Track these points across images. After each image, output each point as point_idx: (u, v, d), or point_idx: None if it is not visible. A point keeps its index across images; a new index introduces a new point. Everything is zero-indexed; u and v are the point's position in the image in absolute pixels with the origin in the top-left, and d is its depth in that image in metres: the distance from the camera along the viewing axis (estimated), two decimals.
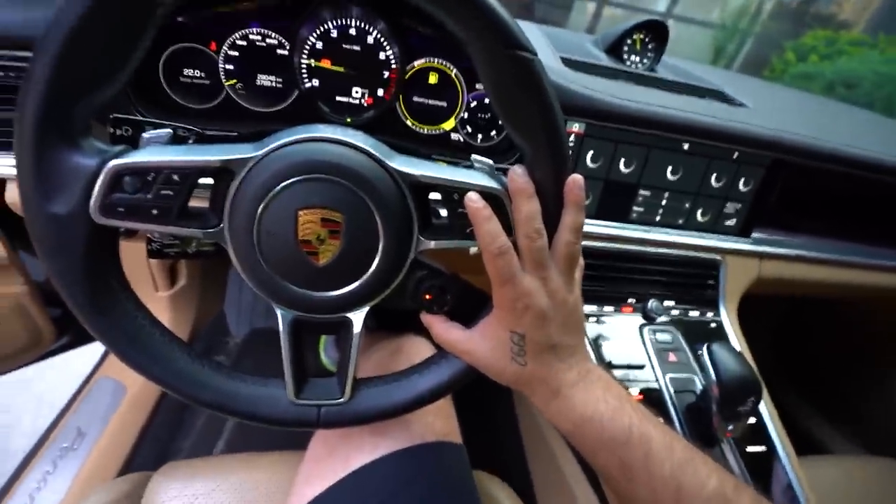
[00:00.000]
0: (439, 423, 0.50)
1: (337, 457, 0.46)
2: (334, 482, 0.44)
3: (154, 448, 0.86)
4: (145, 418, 0.86)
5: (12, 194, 0.47)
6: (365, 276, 0.36)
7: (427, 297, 0.40)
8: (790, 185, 0.67)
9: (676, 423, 0.56)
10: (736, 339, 0.67)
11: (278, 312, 0.37)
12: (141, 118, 0.45)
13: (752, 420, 0.59)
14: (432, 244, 0.37)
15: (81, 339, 0.93)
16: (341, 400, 0.39)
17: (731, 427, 0.52)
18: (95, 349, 0.98)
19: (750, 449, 0.57)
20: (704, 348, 0.54)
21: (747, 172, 0.64)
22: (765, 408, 0.60)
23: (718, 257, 0.69)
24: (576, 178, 0.35)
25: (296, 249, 0.34)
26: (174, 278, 0.90)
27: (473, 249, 0.37)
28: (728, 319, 0.69)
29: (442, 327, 0.40)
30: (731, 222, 0.67)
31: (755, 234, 0.69)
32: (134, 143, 0.34)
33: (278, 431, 0.40)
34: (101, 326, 0.34)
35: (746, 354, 0.66)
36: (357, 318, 0.38)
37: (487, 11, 0.30)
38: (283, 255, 0.34)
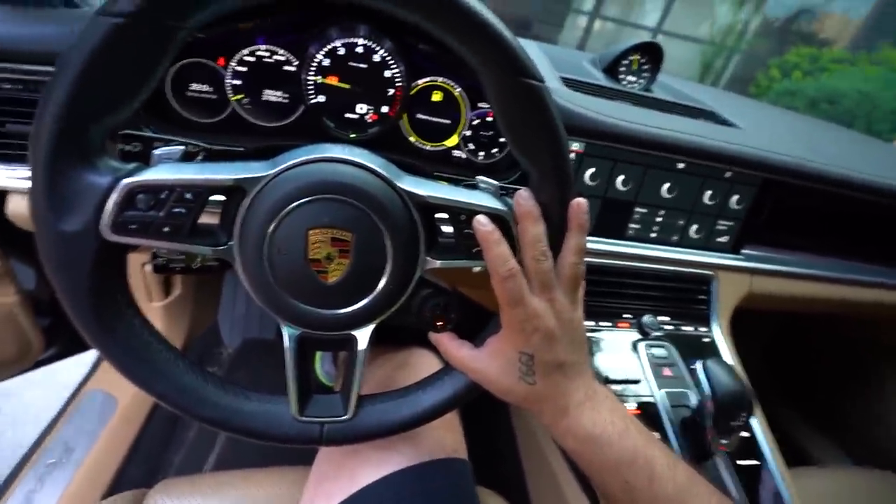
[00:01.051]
0: (449, 438, 0.50)
1: (343, 473, 0.46)
2: (342, 500, 0.44)
3: (144, 463, 0.85)
4: (136, 432, 0.84)
5: (14, 206, 0.46)
6: (372, 295, 0.36)
7: (431, 314, 0.40)
8: (781, 203, 0.69)
9: (671, 437, 0.56)
10: (728, 354, 0.69)
11: (284, 330, 0.38)
12: (149, 134, 0.45)
13: (744, 434, 0.60)
14: (438, 263, 0.38)
15: (69, 349, 0.91)
16: (345, 417, 0.39)
17: (724, 441, 0.53)
18: (82, 360, 0.96)
19: (742, 462, 0.58)
20: (699, 364, 0.55)
21: (739, 191, 0.65)
22: (756, 421, 0.61)
23: (710, 273, 0.71)
24: (580, 202, 0.36)
25: (305, 268, 0.34)
26: (168, 288, 0.89)
27: (477, 269, 0.38)
28: (720, 334, 0.70)
29: (452, 345, 0.41)
30: (723, 239, 0.69)
31: (746, 251, 0.71)
32: (144, 159, 0.34)
33: (271, 447, 0.39)
34: (106, 343, 0.34)
35: (738, 369, 0.67)
36: (363, 335, 0.38)
37: (500, 41, 0.31)
38: (292, 273, 0.34)
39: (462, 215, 0.36)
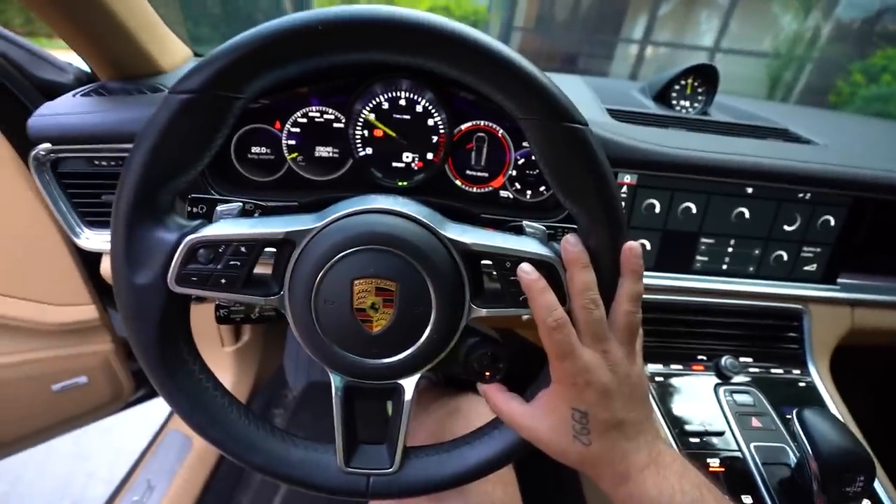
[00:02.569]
0: (499, 492, 0.47)
1: None
2: None
3: (216, 503, 0.88)
4: (208, 473, 0.88)
5: (107, 266, 0.52)
6: (417, 344, 0.36)
7: (479, 364, 0.39)
8: (880, 224, 0.60)
9: (769, 502, 0.49)
10: (832, 401, 0.59)
11: (332, 379, 0.38)
12: (216, 196, 0.50)
13: (866, 503, 0.50)
14: (484, 312, 0.37)
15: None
16: (390, 470, 0.39)
17: None
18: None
19: None
20: (794, 413, 0.48)
21: (825, 213, 0.58)
22: (881, 487, 0.51)
23: (800, 306, 0.63)
24: (632, 246, 0.34)
25: (351, 317, 0.34)
26: (239, 334, 0.95)
27: (526, 316, 0.36)
28: (820, 377, 0.61)
29: (500, 398, 0.39)
30: (811, 267, 0.61)
31: (843, 280, 0.63)
32: (209, 218, 0.37)
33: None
34: (168, 387, 0.36)
35: (847, 419, 0.57)
36: (409, 384, 0.38)
37: (537, 87, 0.31)
38: (338, 323, 0.35)
39: (507, 262, 0.35)
